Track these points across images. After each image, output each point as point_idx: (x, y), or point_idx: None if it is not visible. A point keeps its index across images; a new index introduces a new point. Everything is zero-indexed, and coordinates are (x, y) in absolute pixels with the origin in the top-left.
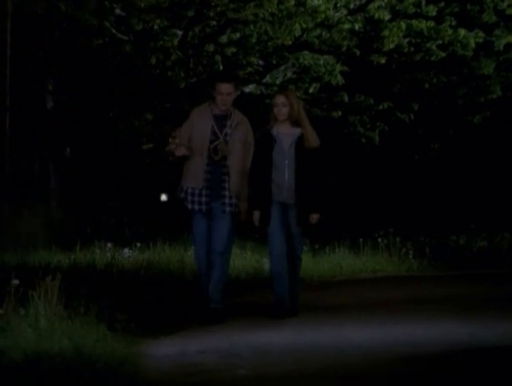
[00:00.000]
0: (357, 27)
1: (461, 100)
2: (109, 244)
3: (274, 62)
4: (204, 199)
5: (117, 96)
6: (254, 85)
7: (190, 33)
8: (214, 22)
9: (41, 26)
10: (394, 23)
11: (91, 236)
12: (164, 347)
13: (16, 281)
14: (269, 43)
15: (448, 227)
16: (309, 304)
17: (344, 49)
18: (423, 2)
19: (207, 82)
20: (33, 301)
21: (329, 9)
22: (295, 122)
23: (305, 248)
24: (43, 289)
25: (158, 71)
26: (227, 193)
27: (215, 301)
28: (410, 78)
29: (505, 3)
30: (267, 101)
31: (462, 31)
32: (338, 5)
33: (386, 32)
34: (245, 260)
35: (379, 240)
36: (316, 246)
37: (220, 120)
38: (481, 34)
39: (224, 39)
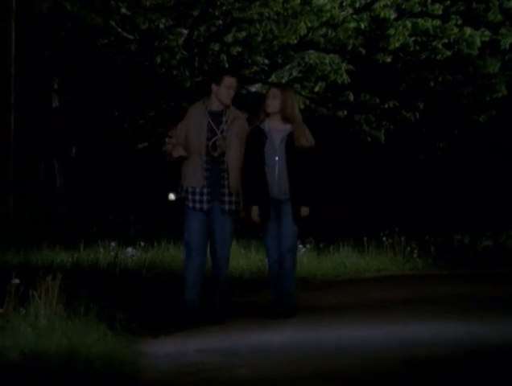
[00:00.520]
0: (362, 26)
1: (466, 99)
2: (113, 243)
3: (279, 61)
4: (205, 197)
5: (123, 95)
6: (260, 84)
7: (195, 32)
8: (219, 22)
9: (46, 26)
10: (399, 22)
11: (95, 235)
12: (164, 347)
13: (16, 281)
14: (274, 42)
15: (453, 227)
16: (311, 303)
17: (349, 48)
18: (429, 1)
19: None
20: (33, 300)
21: (335, 8)
22: (286, 119)
23: (308, 246)
24: (44, 288)
25: (163, 70)
26: (226, 191)
27: (220, 302)
28: (415, 77)
29: (511, 2)
30: None
31: (468, 30)
32: (344, 4)
33: (391, 31)
34: (249, 259)
35: (384, 239)
36: (321, 245)
37: (216, 116)
38: (486, 32)
39: (229, 38)
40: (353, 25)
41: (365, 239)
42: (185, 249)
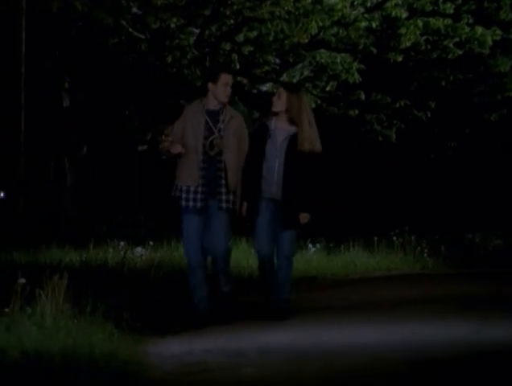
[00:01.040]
0: (374, 25)
1: (478, 98)
2: (122, 243)
3: (290, 60)
4: (199, 195)
5: (133, 94)
6: (271, 84)
7: (206, 31)
8: (231, 21)
9: (57, 25)
10: (411, 21)
11: (105, 235)
12: (170, 346)
13: (23, 280)
14: (285, 42)
15: (464, 226)
16: (320, 302)
17: (361, 47)
18: (441, 0)
19: None
20: (40, 299)
21: (346, 7)
22: (292, 120)
23: (318, 246)
24: (51, 287)
25: (174, 69)
26: (223, 189)
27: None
28: (426, 76)
29: None
30: None
31: (479, 29)
32: (355, 3)
33: (402, 30)
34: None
35: (394, 238)
36: (331, 244)
37: (214, 115)
38: (498, 31)
39: (240, 37)
40: (364, 24)
41: (376, 238)
42: (185, 250)
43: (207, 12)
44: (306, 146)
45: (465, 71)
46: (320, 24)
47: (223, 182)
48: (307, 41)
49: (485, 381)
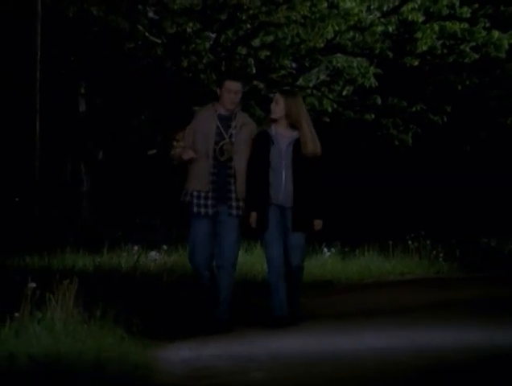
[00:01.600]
0: (390, 29)
1: (494, 102)
2: (136, 247)
3: (307, 65)
4: (210, 202)
5: (149, 98)
6: (288, 88)
7: (222, 36)
8: (247, 25)
9: (73, 30)
10: (427, 25)
11: (119, 239)
12: (180, 351)
13: (33, 285)
14: (301, 46)
15: (480, 230)
16: (333, 307)
17: (377, 51)
18: (457, 4)
19: None
20: (50, 304)
21: (362, 11)
22: (293, 125)
23: (333, 250)
24: (61, 292)
25: (190, 74)
26: (233, 195)
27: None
28: (443, 80)
29: None
30: None
31: (496, 33)
32: (371, 7)
33: (419, 34)
34: None
35: (410, 242)
36: (346, 249)
37: (225, 120)
38: None
39: (256, 42)
40: (380, 28)
41: (391, 242)
42: (192, 256)
43: (223, 17)
44: (310, 147)
45: (481, 75)
46: (336, 28)
47: (233, 188)
48: (323, 45)
49: None
